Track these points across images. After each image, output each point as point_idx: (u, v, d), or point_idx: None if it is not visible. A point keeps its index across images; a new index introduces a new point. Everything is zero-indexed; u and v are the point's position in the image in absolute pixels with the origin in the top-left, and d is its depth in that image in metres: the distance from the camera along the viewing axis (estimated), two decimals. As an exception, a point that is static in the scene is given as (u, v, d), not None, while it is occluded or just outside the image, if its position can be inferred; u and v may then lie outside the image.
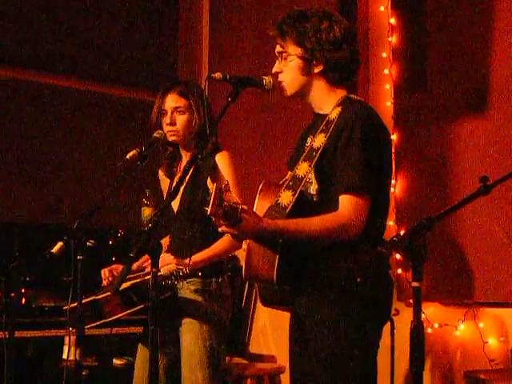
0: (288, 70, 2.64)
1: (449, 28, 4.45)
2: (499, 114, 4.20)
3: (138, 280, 3.23)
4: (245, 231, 2.43)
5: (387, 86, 4.67)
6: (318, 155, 2.53)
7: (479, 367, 3.99)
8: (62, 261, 2.98)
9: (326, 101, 2.65)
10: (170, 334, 3.31)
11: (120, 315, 3.22)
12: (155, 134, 3.36)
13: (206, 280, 3.32)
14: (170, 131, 3.39)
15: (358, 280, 2.49)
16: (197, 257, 3.25)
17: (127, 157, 3.19)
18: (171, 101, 3.40)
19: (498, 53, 4.22)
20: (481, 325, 4.17)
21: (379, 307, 2.56)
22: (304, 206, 2.52)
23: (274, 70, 2.66)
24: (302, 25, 2.59)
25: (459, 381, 4.17)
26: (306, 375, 2.56)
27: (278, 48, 2.65)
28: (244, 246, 2.56)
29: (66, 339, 2.99)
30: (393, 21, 4.67)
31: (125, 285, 3.14)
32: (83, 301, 3.01)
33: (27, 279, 4.19)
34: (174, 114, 3.39)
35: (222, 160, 3.34)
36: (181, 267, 3.14)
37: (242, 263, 2.54)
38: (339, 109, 2.60)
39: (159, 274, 2.69)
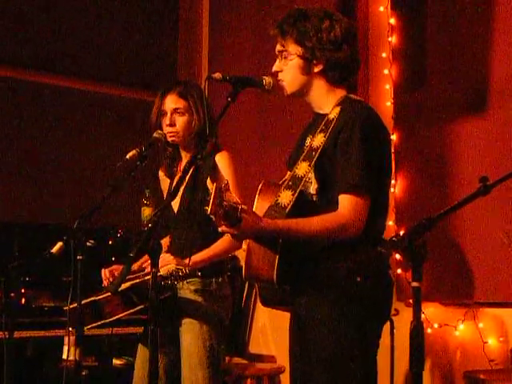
0: (288, 69, 2.64)
1: (449, 28, 4.45)
2: (499, 114, 4.20)
3: (138, 280, 3.23)
4: (245, 231, 2.43)
5: (387, 86, 4.67)
6: (317, 155, 2.53)
7: (479, 367, 3.99)
8: (62, 261, 2.98)
9: (325, 100, 2.65)
10: (170, 334, 3.31)
11: (120, 315, 3.22)
12: (155, 134, 3.36)
13: (206, 280, 3.32)
14: (170, 132, 3.39)
15: (358, 280, 2.49)
16: (197, 257, 3.25)
17: (127, 157, 3.19)
18: (171, 102, 3.40)
19: (498, 53, 4.22)
20: (480, 325, 4.17)
21: (379, 307, 2.55)
22: (304, 206, 2.52)
23: (274, 68, 2.66)
24: (303, 24, 2.59)
25: (459, 381, 4.17)
26: (305, 375, 2.56)
27: (279, 47, 2.65)
28: (244, 246, 2.56)
29: (66, 339, 2.98)
30: (393, 21, 4.66)
31: (125, 285, 3.14)
32: (83, 301, 3.01)
33: (27, 279, 4.19)
34: (173, 115, 3.39)
35: (221, 160, 3.34)
36: (180, 267, 3.15)
37: (242, 263, 2.54)
38: (339, 108, 2.60)
39: (159, 274, 2.70)
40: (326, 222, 2.49)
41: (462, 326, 4.24)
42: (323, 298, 2.52)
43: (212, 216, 2.35)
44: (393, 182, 4.37)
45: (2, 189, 4.95)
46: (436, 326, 4.31)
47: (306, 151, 2.58)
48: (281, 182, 2.61)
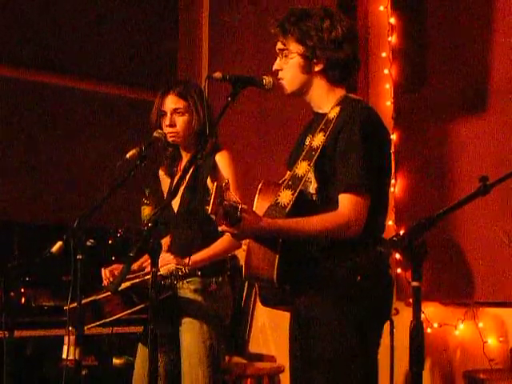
0: (288, 67, 2.64)
1: (449, 28, 4.45)
2: (499, 114, 4.20)
3: (138, 280, 3.23)
4: (245, 230, 2.43)
5: (387, 86, 4.67)
6: (317, 154, 2.53)
7: (479, 367, 4.00)
8: (62, 260, 2.98)
9: (325, 100, 2.66)
10: (170, 334, 3.31)
11: (120, 315, 3.23)
12: (155, 134, 3.36)
13: (206, 280, 3.32)
14: (170, 133, 3.39)
15: (358, 279, 2.49)
16: (196, 256, 3.26)
17: (127, 156, 3.19)
18: (170, 102, 3.40)
19: (498, 53, 4.22)
20: (480, 324, 4.17)
21: (379, 307, 2.55)
22: (304, 206, 2.52)
23: (275, 67, 2.66)
24: (304, 23, 2.59)
25: (459, 380, 4.17)
26: (306, 375, 2.56)
27: (279, 45, 2.65)
28: (244, 246, 2.56)
29: (66, 339, 2.98)
30: (393, 20, 4.67)
31: (125, 284, 3.14)
32: (83, 301, 3.01)
33: (27, 278, 4.19)
34: (173, 116, 3.39)
35: (221, 159, 3.34)
36: (180, 267, 3.15)
37: (242, 263, 2.54)
38: (338, 108, 2.60)
39: (159, 273, 2.70)
40: (325, 222, 2.49)
41: (461, 326, 4.24)
42: (323, 298, 2.52)
43: (213, 215, 2.35)
44: (392, 181, 4.37)
45: (2, 189, 4.95)
46: (436, 325, 4.31)
47: (305, 151, 2.58)
48: (281, 182, 2.61)
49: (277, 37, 2.65)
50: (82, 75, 5.37)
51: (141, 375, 3.35)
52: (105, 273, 3.36)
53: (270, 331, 5.12)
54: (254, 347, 5.04)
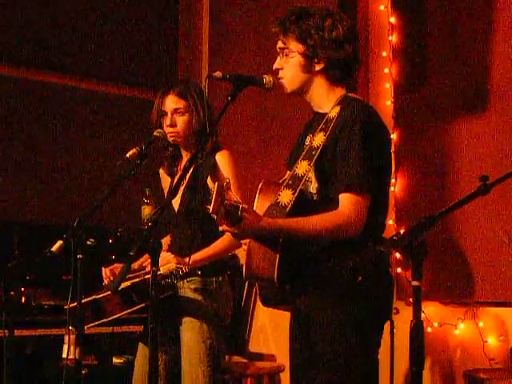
0: (289, 66, 2.64)
1: (449, 28, 4.45)
2: (499, 114, 4.20)
3: (138, 279, 3.23)
4: (245, 230, 2.43)
5: (387, 85, 4.67)
6: (317, 154, 2.53)
7: (479, 366, 4.00)
8: (62, 259, 2.98)
9: (325, 99, 2.65)
10: (171, 333, 3.32)
11: (120, 314, 3.23)
12: (155, 133, 3.36)
13: (206, 279, 3.32)
14: (171, 133, 3.39)
15: (359, 279, 2.49)
16: (197, 256, 3.26)
17: (127, 155, 3.18)
18: (171, 102, 3.40)
19: (498, 53, 4.22)
20: (480, 324, 4.17)
21: (380, 306, 2.56)
22: (304, 205, 2.52)
23: (275, 66, 2.66)
24: (305, 22, 2.59)
25: (459, 380, 4.17)
26: (306, 374, 2.56)
27: (280, 44, 2.65)
28: (244, 245, 2.56)
29: (66, 338, 2.98)
30: (393, 20, 4.67)
31: (125, 284, 3.14)
32: (83, 300, 3.01)
33: (27, 278, 4.19)
34: (173, 116, 3.39)
35: (222, 159, 3.34)
36: (180, 266, 3.14)
37: (243, 262, 2.55)
38: (338, 107, 2.60)
39: (159, 273, 2.70)
40: (326, 221, 2.49)
41: (461, 325, 4.24)
42: (324, 297, 2.52)
43: (214, 215, 2.35)
44: (393, 180, 4.37)
45: (3, 188, 4.95)
46: (436, 325, 4.31)
47: (305, 150, 2.58)
48: (281, 181, 2.61)
49: (277, 36, 2.64)
50: (82, 75, 5.36)
51: (141, 374, 3.36)
52: (105, 272, 3.36)
53: (270, 331, 5.12)
54: (254, 346, 5.05)
